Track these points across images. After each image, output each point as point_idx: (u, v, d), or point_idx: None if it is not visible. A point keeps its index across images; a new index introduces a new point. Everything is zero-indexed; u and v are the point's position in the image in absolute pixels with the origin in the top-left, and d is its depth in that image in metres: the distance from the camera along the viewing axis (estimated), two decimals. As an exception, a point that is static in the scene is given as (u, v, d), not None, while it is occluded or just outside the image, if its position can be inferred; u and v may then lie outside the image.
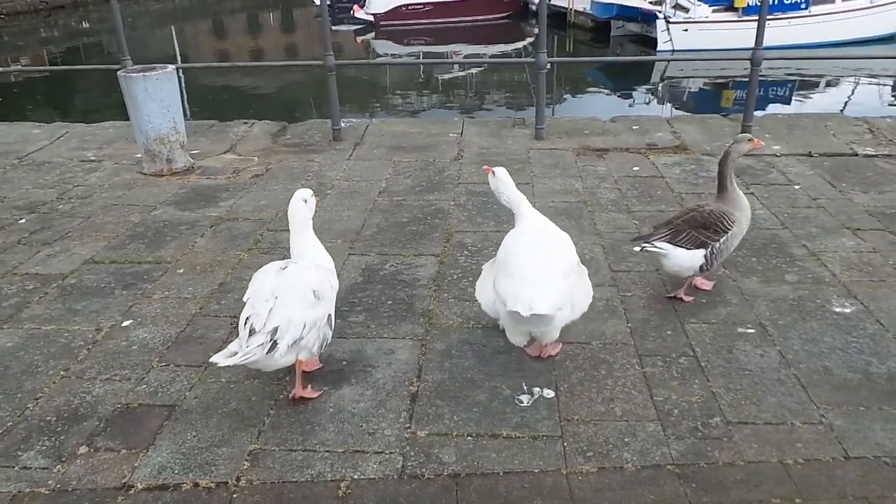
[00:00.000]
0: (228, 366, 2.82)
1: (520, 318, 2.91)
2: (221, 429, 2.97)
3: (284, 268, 3.06)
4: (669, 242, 3.68)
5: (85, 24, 35.54)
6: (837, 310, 3.77)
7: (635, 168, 5.98)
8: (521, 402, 3.08)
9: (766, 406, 3.04)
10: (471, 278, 4.16)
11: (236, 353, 2.80)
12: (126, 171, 6.26)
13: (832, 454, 2.78)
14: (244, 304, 3.02)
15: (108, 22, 9.18)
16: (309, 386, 3.18)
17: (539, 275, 3.02)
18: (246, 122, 7.67)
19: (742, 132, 6.67)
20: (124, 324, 3.80)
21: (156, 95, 5.92)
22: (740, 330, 3.61)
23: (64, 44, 31.12)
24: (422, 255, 4.51)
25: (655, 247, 3.68)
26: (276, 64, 21.68)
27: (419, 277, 4.21)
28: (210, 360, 2.83)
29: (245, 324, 2.87)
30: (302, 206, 3.21)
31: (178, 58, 26.20)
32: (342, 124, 7.06)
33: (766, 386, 3.17)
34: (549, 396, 3.12)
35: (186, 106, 12.08)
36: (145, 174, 6.12)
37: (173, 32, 33.34)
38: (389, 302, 3.94)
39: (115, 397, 3.19)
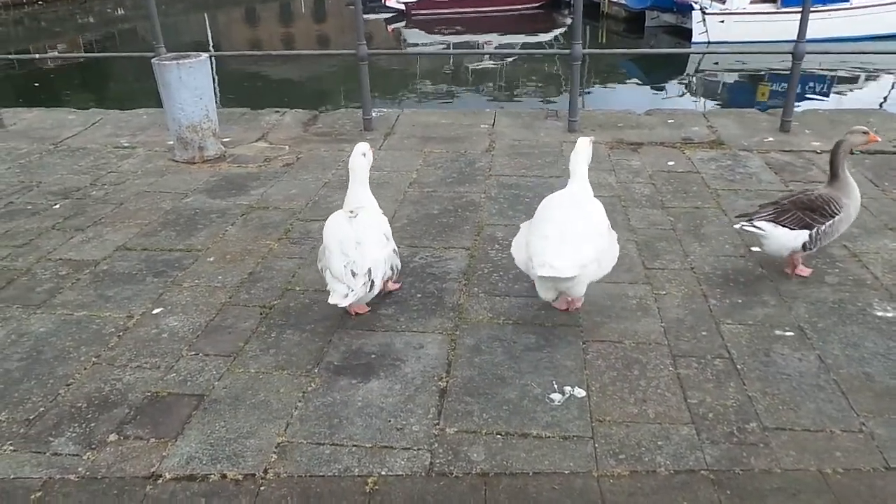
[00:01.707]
0: (343, 306, 3.42)
1: (545, 277, 3.27)
2: (249, 420, 2.96)
3: (352, 215, 3.52)
4: (773, 221, 3.76)
5: (120, 11, 35.97)
6: (879, 314, 3.65)
7: (670, 163, 5.87)
8: (553, 401, 3.03)
9: (804, 412, 2.95)
10: (501, 273, 4.11)
11: (347, 295, 3.34)
12: (158, 158, 6.30)
13: (873, 464, 2.69)
14: (322, 251, 3.54)
15: (142, 9, 9.25)
16: (391, 281, 3.81)
17: (564, 237, 3.29)
18: (277, 111, 7.68)
19: (781, 128, 6.54)
20: (155, 311, 3.81)
21: (189, 83, 5.94)
22: (778, 332, 3.51)
23: (99, 30, 31.55)
24: (452, 247, 4.46)
25: (754, 226, 3.77)
26: (308, 53, 21.70)
27: (449, 271, 4.17)
28: (329, 302, 3.36)
29: (346, 268, 3.35)
30: (362, 160, 3.68)
31: (211, 45, 26.40)
32: (373, 114, 7.03)
33: (805, 391, 3.08)
34: (580, 396, 3.06)
35: (218, 94, 12.16)
36: (177, 161, 6.16)
37: (206, 20, 33.59)
38: (419, 295, 3.91)
39: (144, 385, 3.20)
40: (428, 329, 3.59)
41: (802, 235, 3.76)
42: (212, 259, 4.39)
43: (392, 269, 3.65)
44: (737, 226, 3.84)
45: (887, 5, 20.69)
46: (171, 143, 6.33)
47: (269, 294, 3.96)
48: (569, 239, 3.29)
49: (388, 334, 3.55)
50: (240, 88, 17.55)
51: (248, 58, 21.17)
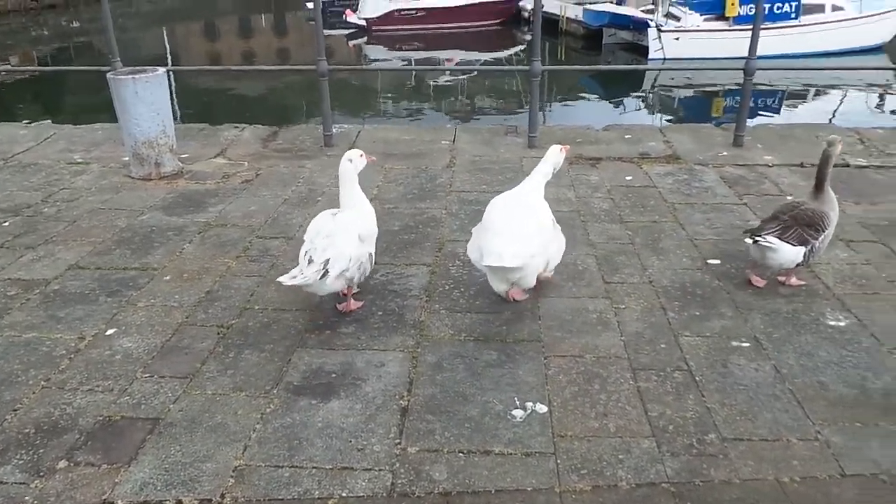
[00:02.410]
0: (291, 286, 3.46)
1: (495, 269, 3.55)
2: (206, 443, 2.89)
3: (335, 214, 3.73)
4: (779, 238, 3.87)
5: (75, 24, 35.35)
6: (832, 323, 3.74)
7: (628, 177, 5.95)
8: (514, 418, 3.02)
9: (761, 422, 3.00)
10: (462, 289, 4.11)
11: (296, 277, 3.44)
12: (113, 174, 6.16)
13: (828, 471, 2.74)
14: (301, 243, 3.67)
15: (98, 22, 9.10)
16: (351, 300, 3.87)
17: (509, 231, 3.58)
18: (237, 127, 7.58)
19: (735, 142, 6.69)
20: (108, 332, 3.71)
21: (145, 98, 5.83)
22: (735, 343, 3.57)
23: (54, 43, 30.93)
24: (413, 264, 4.45)
25: (768, 242, 3.86)
26: (269, 68, 21.60)
27: (410, 287, 4.15)
28: (277, 280, 3.49)
29: (305, 255, 3.54)
30: (348, 165, 3.82)
31: (169, 59, 26.08)
32: (334, 130, 7.00)
33: (762, 401, 3.13)
34: (541, 411, 3.06)
35: (177, 109, 11.99)
36: (133, 178, 6.03)
37: (164, 34, 33.20)
38: (380, 313, 3.88)
39: (96, 409, 3.10)
40: (389, 347, 3.56)
41: (801, 252, 3.89)
42: (168, 278, 4.30)
43: (359, 269, 3.68)
44: (748, 240, 3.93)
45: (832, 23, 21.47)
46: (127, 158, 6.21)
47: (226, 313, 3.89)
48: (515, 232, 3.58)
49: (349, 353, 3.51)
50: (198, 103, 17.36)
51: (207, 72, 20.96)
